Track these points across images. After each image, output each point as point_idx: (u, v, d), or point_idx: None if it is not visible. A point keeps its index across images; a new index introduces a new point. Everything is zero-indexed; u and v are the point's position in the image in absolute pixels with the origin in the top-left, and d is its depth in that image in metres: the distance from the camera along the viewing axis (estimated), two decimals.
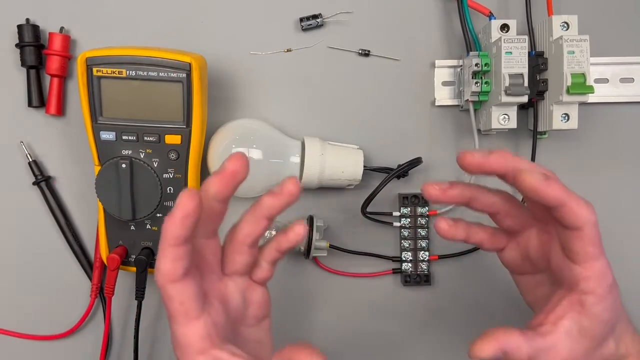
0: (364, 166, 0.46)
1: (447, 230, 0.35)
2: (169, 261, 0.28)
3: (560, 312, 0.32)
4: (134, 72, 0.41)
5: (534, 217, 0.35)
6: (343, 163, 0.46)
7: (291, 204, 0.32)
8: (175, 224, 0.28)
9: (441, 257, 0.49)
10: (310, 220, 0.46)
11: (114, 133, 0.42)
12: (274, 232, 0.46)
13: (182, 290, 0.29)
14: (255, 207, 0.33)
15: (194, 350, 0.29)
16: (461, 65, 0.48)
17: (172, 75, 0.41)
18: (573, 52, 0.42)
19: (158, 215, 0.44)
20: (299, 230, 0.34)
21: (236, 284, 0.35)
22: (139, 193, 0.42)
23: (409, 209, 0.49)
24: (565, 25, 0.44)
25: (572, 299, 0.32)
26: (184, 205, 0.27)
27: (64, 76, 0.48)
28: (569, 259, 0.32)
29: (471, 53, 0.46)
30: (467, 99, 0.46)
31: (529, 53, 0.44)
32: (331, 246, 0.47)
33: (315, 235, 0.46)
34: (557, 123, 0.44)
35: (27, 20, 0.47)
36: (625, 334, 0.34)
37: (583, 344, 0.31)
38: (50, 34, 0.47)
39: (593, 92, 0.42)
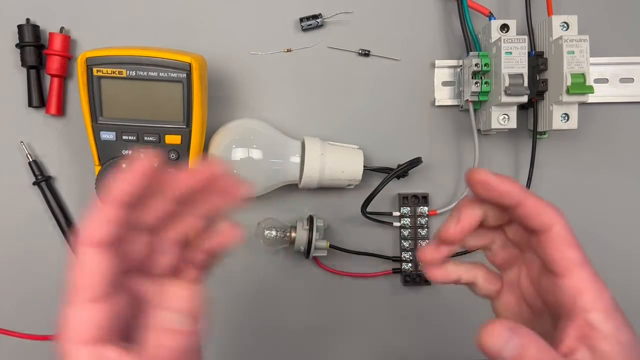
0: (364, 166, 0.46)
1: (438, 273, 0.31)
2: (97, 220, 0.25)
3: (571, 343, 0.26)
4: (134, 72, 0.41)
5: (519, 250, 0.31)
6: (343, 163, 0.46)
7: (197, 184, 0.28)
8: (124, 180, 0.25)
9: None
10: (310, 220, 0.46)
11: (114, 133, 0.42)
12: (273, 233, 0.46)
13: (94, 260, 0.24)
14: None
15: (79, 337, 0.24)
16: (461, 65, 0.48)
17: (172, 75, 0.41)
18: (573, 52, 0.42)
19: None
20: (227, 231, 0.30)
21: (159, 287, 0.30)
22: None
23: (409, 209, 0.49)
24: (565, 25, 0.44)
25: (579, 324, 0.26)
26: (140, 165, 0.25)
27: (64, 76, 0.48)
28: (553, 275, 0.28)
29: (471, 53, 0.46)
30: (467, 99, 0.46)
31: (528, 53, 0.44)
32: (331, 246, 0.47)
33: (315, 235, 0.46)
34: (557, 123, 0.44)
35: (28, 20, 0.47)
36: None
37: None
38: (50, 34, 0.47)
39: (593, 92, 0.42)
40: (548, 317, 0.30)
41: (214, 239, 0.31)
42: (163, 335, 0.22)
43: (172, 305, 0.22)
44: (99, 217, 0.25)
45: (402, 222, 0.48)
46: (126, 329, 0.27)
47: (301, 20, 0.48)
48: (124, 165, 0.24)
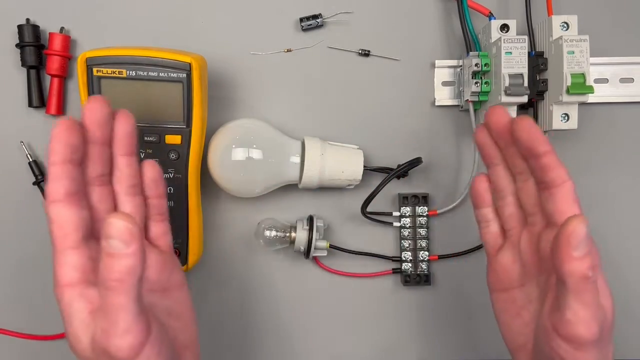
0: (364, 166, 0.46)
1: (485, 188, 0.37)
2: (50, 181, 0.28)
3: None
4: (134, 72, 0.41)
5: (524, 218, 0.35)
6: (343, 163, 0.46)
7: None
8: (54, 139, 0.29)
9: (441, 257, 0.49)
10: (310, 220, 0.46)
11: None
12: (273, 233, 0.46)
13: (61, 213, 0.29)
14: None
15: (64, 281, 0.28)
16: (461, 65, 0.48)
17: (172, 75, 0.41)
18: (573, 52, 0.42)
19: None
20: (148, 165, 0.35)
21: None
22: None
23: (409, 208, 0.49)
24: (565, 25, 0.44)
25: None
26: (61, 122, 0.29)
27: (64, 76, 0.48)
28: (556, 228, 0.30)
29: (471, 53, 0.46)
30: (467, 99, 0.46)
31: (528, 53, 0.44)
32: (331, 246, 0.47)
33: (315, 235, 0.46)
34: (557, 123, 0.44)
35: (28, 20, 0.47)
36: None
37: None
38: (50, 34, 0.47)
39: (593, 92, 0.42)
40: (535, 286, 0.34)
41: (143, 179, 0.34)
42: (106, 259, 0.25)
43: (109, 233, 0.25)
44: (52, 176, 0.29)
45: (402, 222, 0.49)
46: None
47: (301, 20, 0.48)
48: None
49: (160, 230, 0.36)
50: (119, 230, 0.25)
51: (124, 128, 0.33)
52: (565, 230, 0.28)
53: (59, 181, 0.28)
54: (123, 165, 0.33)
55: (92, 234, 0.31)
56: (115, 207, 0.33)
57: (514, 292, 0.35)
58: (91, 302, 0.28)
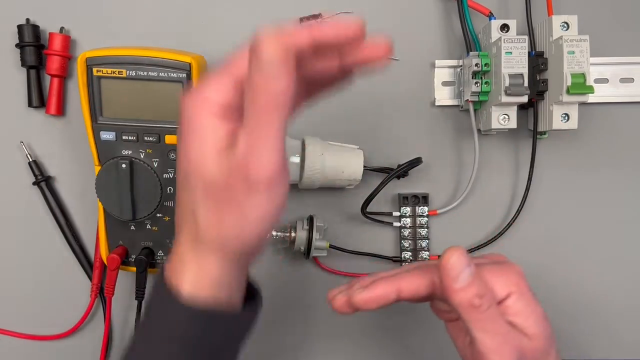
0: (364, 166, 0.46)
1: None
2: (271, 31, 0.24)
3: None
4: (134, 72, 0.41)
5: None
6: (343, 163, 0.46)
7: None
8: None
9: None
10: (310, 220, 0.46)
11: (114, 133, 0.42)
12: (273, 233, 0.46)
13: (267, 45, 0.24)
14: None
15: (205, 95, 0.27)
16: (461, 65, 0.48)
17: (172, 75, 0.41)
18: (573, 52, 0.42)
19: (158, 215, 0.44)
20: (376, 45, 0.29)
21: None
22: (139, 193, 0.42)
23: (409, 208, 0.49)
24: (565, 25, 0.44)
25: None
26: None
27: (64, 76, 0.48)
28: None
29: (471, 53, 0.46)
30: (467, 99, 0.46)
31: (529, 53, 0.44)
32: (331, 246, 0.47)
33: (315, 235, 0.46)
34: (557, 123, 0.44)
35: (27, 20, 0.47)
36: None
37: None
38: (50, 34, 0.47)
39: (593, 92, 0.42)
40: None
41: (362, 50, 0.29)
42: (259, 80, 0.24)
43: (263, 52, 0.23)
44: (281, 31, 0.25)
45: (402, 222, 0.48)
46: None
47: (301, 20, 0.48)
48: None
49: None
50: (275, 49, 0.23)
51: None
52: (444, 264, 0.29)
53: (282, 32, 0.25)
54: None
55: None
56: None
57: (459, 322, 0.35)
58: (232, 124, 0.27)
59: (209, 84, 0.27)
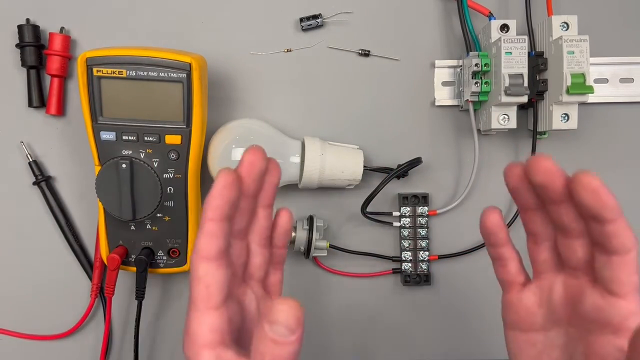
0: (364, 166, 0.46)
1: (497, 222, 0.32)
2: (204, 236, 0.27)
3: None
4: (134, 72, 0.41)
5: (561, 263, 0.32)
6: (343, 163, 0.46)
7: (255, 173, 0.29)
8: (216, 195, 0.27)
9: (441, 257, 0.49)
10: (310, 220, 0.46)
11: (114, 133, 0.42)
12: None
13: (211, 272, 0.27)
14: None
15: (202, 342, 0.27)
16: (461, 66, 0.48)
17: (172, 75, 0.41)
18: (573, 52, 0.42)
19: (158, 215, 0.44)
20: (284, 216, 0.34)
21: (253, 292, 0.33)
22: (139, 193, 0.42)
23: (409, 208, 0.49)
24: (565, 25, 0.44)
25: (618, 344, 0.27)
26: (224, 176, 0.27)
27: (64, 76, 0.48)
28: (611, 294, 0.28)
29: (471, 53, 0.46)
30: (467, 99, 0.46)
31: (528, 53, 0.44)
32: (331, 246, 0.47)
33: (315, 235, 0.46)
34: (557, 123, 0.44)
35: (28, 20, 0.47)
36: None
37: None
38: (50, 34, 0.47)
39: (593, 92, 0.42)
40: (563, 334, 0.31)
41: (275, 228, 0.34)
42: (269, 344, 0.25)
43: (276, 319, 0.24)
44: (208, 232, 0.27)
45: (402, 222, 0.49)
46: (237, 333, 0.30)
47: (301, 20, 0.48)
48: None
49: (277, 279, 0.35)
50: (287, 318, 0.24)
51: (272, 180, 0.32)
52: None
53: (213, 239, 0.27)
54: (262, 217, 0.33)
55: (230, 294, 0.30)
56: (248, 262, 0.33)
57: (534, 335, 0.32)
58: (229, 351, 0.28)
59: (205, 323, 0.28)
